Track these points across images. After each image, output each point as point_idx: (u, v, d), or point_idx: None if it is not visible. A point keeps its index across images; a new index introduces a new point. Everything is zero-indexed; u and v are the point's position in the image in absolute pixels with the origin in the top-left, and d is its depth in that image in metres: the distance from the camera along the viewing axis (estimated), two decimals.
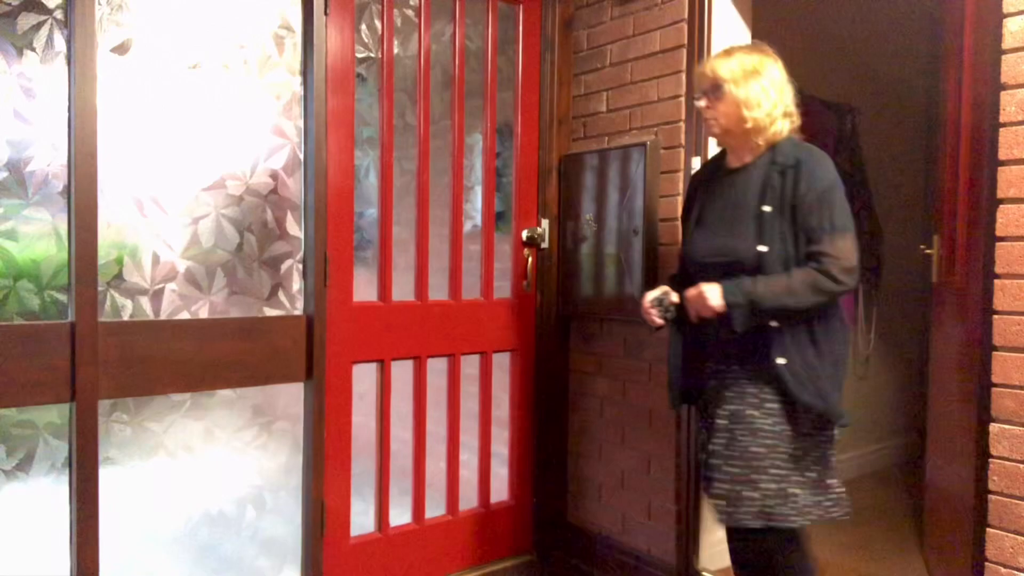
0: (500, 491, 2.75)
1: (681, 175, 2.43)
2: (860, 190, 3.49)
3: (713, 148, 2.42)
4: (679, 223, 2.44)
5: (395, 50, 2.43)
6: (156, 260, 1.99)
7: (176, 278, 2.02)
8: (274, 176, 2.19)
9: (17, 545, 1.82)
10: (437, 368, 2.55)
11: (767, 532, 1.69)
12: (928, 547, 2.12)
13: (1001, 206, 1.74)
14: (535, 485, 2.80)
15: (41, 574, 1.84)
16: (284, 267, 2.22)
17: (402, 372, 2.48)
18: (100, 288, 1.88)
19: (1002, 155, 1.73)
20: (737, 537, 1.76)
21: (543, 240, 2.75)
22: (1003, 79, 1.73)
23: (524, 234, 2.73)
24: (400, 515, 2.48)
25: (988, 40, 1.80)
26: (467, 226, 2.67)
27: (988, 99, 1.80)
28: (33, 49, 1.79)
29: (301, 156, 2.22)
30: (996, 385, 1.74)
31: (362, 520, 2.40)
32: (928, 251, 2.39)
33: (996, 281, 1.75)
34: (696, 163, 2.40)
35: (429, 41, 2.48)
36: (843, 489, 1.72)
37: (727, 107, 1.76)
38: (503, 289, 2.73)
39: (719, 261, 1.77)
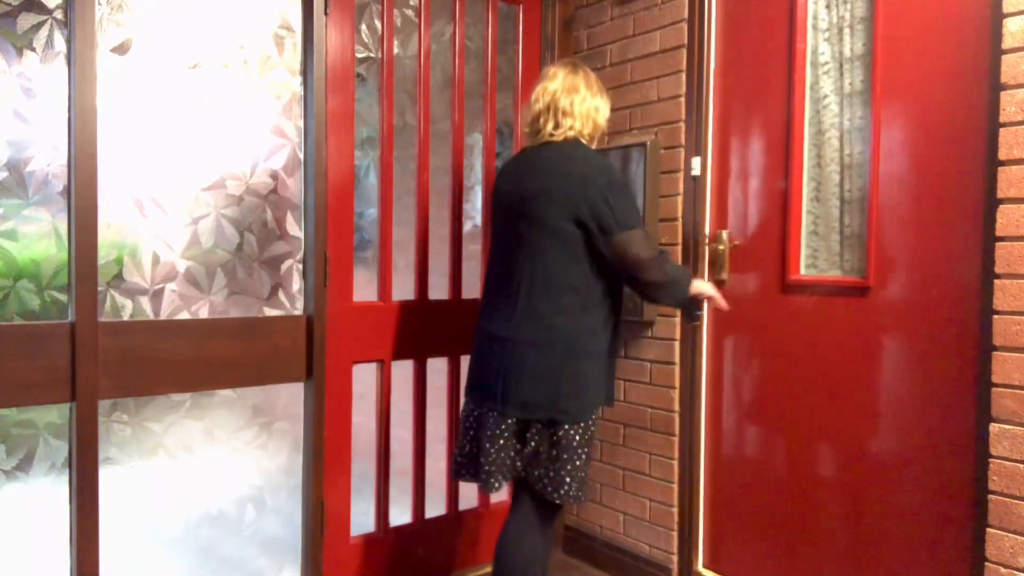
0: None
1: (681, 175, 2.43)
2: None
3: (713, 146, 2.42)
4: (679, 223, 2.45)
5: (395, 50, 2.43)
6: (156, 260, 1.99)
7: (176, 278, 2.02)
8: (274, 176, 2.19)
9: (17, 545, 1.82)
10: (437, 368, 2.55)
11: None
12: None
13: (1001, 206, 1.74)
14: None
15: (41, 574, 1.84)
16: (284, 267, 2.22)
17: (402, 372, 2.48)
18: (100, 288, 1.88)
19: (1002, 155, 1.74)
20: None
21: None
22: (1003, 79, 1.73)
23: None
24: (400, 515, 2.49)
25: (988, 40, 1.81)
26: (467, 226, 2.67)
27: (988, 99, 1.80)
28: (33, 49, 1.79)
29: (301, 156, 2.23)
30: (996, 385, 1.74)
31: (362, 520, 2.40)
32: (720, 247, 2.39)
33: (996, 281, 1.75)
34: (696, 163, 2.41)
35: (429, 41, 2.48)
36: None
37: None
38: None
39: None
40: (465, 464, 2.01)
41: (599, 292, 1.91)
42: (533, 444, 1.88)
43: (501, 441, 1.88)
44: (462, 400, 2.58)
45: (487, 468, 1.89)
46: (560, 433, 1.85)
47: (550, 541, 2.00)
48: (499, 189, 2.01)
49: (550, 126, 1.93)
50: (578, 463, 1.87)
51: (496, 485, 1.89)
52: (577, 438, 1.86)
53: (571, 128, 1.92)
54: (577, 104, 1.93)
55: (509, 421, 1.88)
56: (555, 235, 1.85)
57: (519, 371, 1.86)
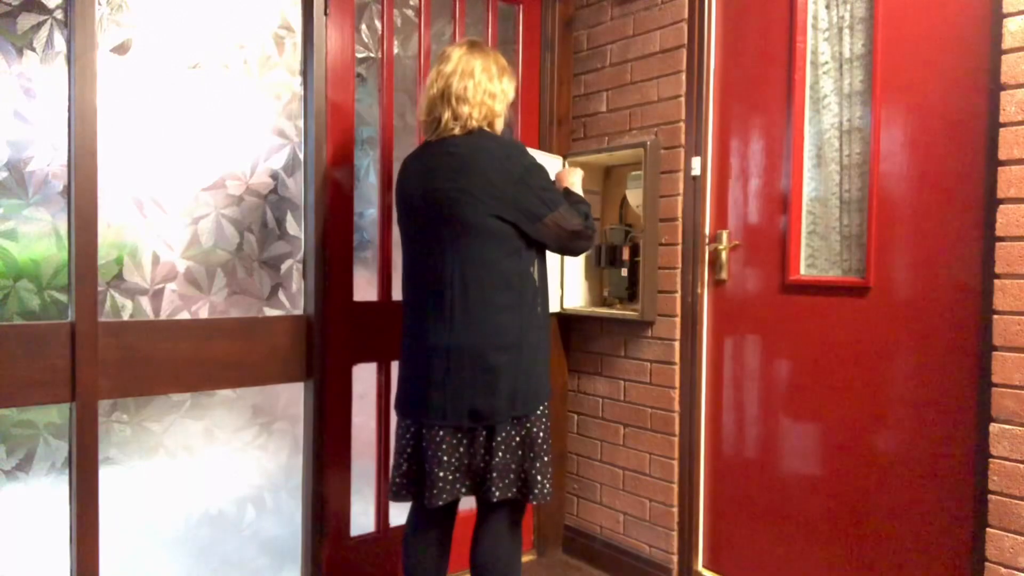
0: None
1: (681, 175, 2.43)
2: None
3: (712, 146, 2.43)
4: (679, 223, 2.45)
5: (395, 50, 2.43)
6: (156, 260, 1.99)
7: (176, 278, 2.02)
8: (274, 176, 2.19)
9: (17, 545, 1.82)
10: None
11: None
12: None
13: (1001, 206, 1.74)
14: None
15: (41, 574, 1.84)
16: (284, 267, 2.22)
17: None
18: (100, 288, 1.88)
19: (1002, 155, 1.74)
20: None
21: None
22: (1003, 79, 1.73)
23: None
24: (400, 515, 2.48)
25: (988, 40, 1.81)
26: None
27: (988, 99, 1.80)
28: (33, 49, 1.79)
29: (301, 156, 2.23)
30: (996, 385, 1.74)
31: (362, 520, 2.40)
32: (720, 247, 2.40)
33: (996, 281, 1.75)
34: (696, 163, 2.41)
35: (429, 41, 2.48)
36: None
37: None
38: None
39: None
40: (406, 485, 1.89)
41: (533, 283, 1.85)
42: (501, 450, 1.79)
43: (455, 456, 1.79)
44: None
45: (439, 485, 1.77)
46: (524, 432, 1.82)
47: (520, 540, 1.95)
48: (406, 191, 1.87)
49: (447, 115, 1.80)
50: (544, 459, 1.85)
51: (444, 499, 1.79)
52: (541, 434, 1.85)
53: (471, 117, 1.80)
54: (471, 89, 1.80)
55: (459, 435, 1.79)
56: (482, 233, 1.75)
57: (467, 379, 1.76)
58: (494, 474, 1.78)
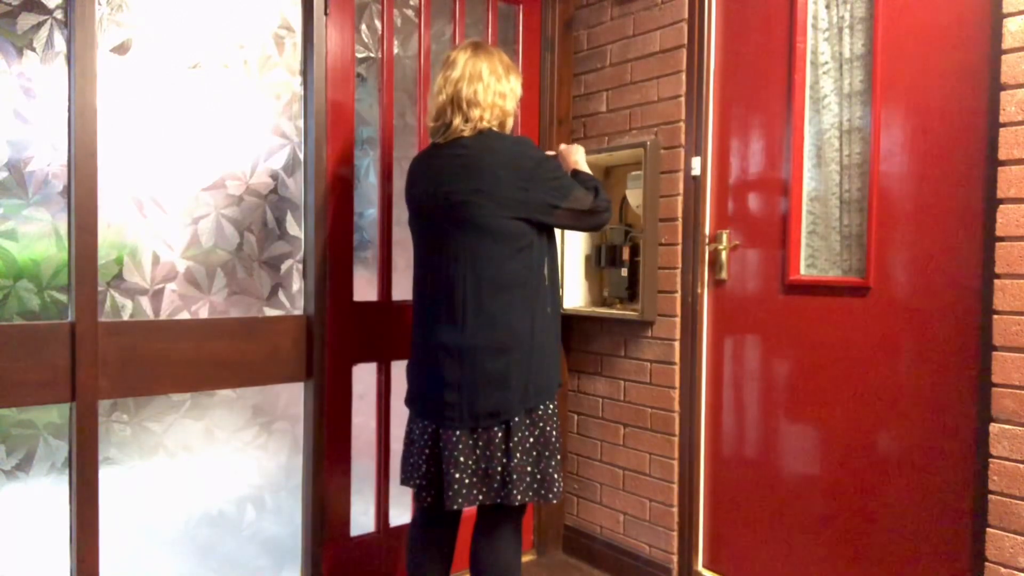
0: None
1: (681, 175, 2.43)
2: None
3: (712, 146, 2.42)
4: (679, 223, 2.44)
5: (395, 50, 2.43)
6: (156, 260, 1.99)
7: (176, 278, 2.02)
8: (274, 176, 2.19)
9: (17, 545, 1.82)
10: None
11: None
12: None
13: (1001, 206, 1.74)
14: None
15: (41, 574, 1.84)
16: (284, 267, 2.22)
17: (402, 372, 2.47)
18: (100, 288, 1.88)
19: (1002, 155, 1.74)
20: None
21: None
22: (1003, 79, 1.73)
23: None
24: (400, 515, 2.49)
25: (988, 40, 1.81)
26: None
27: (988, 99, 1.80)
28: (33, 49, 1.79)
29: (301, 156, 2.23)
30: (996, 385, 1.75)
31: (362, 520, 2.40)
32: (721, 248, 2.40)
33: (996, 281, 1.75)
34: (696, 163, 2.41)
35: (429, 41, 2.48)
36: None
37: None
38: None
39: None
40: (425, 487, 1.89)
41: (543, 282, 1.87)
42: (518, 453, 1.81)
43: (471, 459, 1.80)
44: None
45: (455, 487, 1.78)
46: (538, 432, 1.84)
47: (520, 541, 1.95)
48: (416, 192, 1.89)
49: (458, 120, 1.81)
50: (558, 457, 1.88)
51: (460, 503, 1.79)
52: (555, 433, 1.88)
53: (481, 119, 1.82)
54: (481, 93, 1.82)
55: (475, 435, 1.80)
56: (495, 233, 1.77)
57: (481, 379, 1.78)
58: (514, 476, 1.79)
